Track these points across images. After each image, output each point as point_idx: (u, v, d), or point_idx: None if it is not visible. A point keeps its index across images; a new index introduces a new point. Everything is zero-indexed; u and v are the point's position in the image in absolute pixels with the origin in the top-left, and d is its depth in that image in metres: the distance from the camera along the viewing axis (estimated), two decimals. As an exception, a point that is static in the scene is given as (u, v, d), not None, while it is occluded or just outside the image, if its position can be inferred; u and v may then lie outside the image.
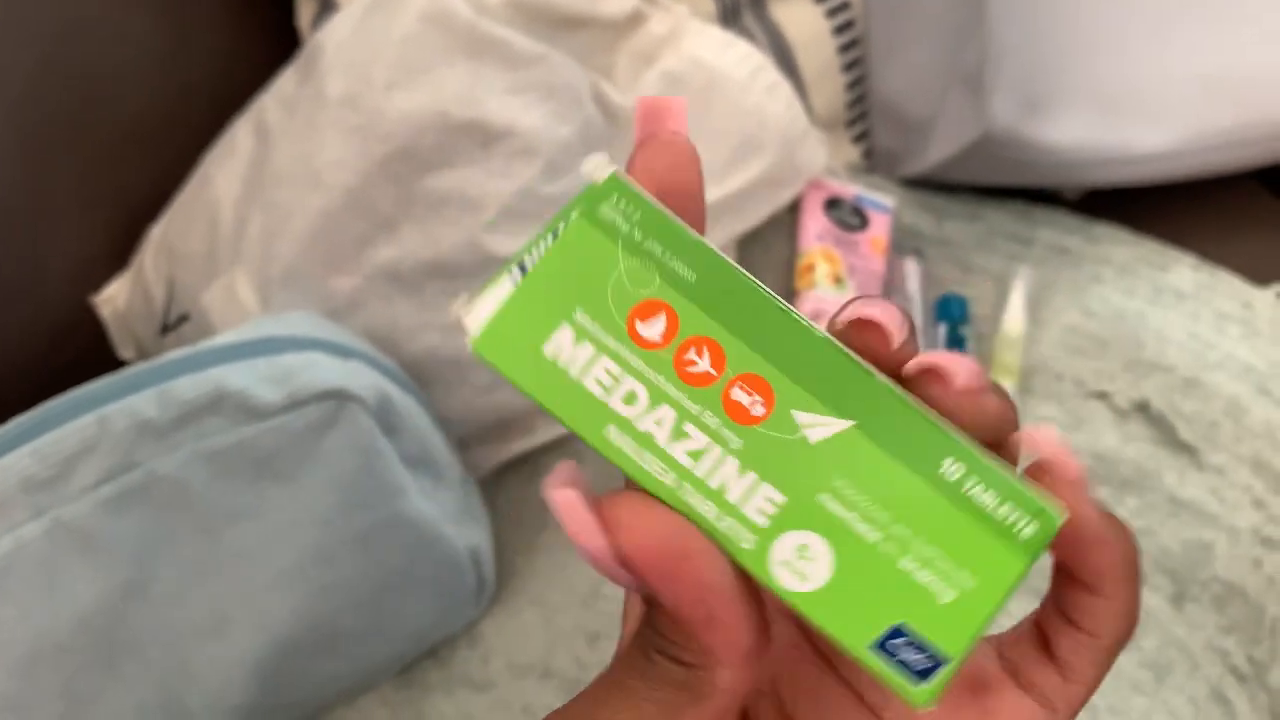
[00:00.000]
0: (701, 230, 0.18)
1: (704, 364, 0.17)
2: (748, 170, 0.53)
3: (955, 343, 0.54)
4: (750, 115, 0.53)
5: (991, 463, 0.17)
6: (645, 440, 0.17)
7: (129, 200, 0.58)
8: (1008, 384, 0.53)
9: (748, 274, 0.18)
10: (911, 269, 0.57)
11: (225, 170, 0.54)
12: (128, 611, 0.42)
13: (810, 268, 0.55)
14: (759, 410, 0.17)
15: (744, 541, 0.17)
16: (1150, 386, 0.53)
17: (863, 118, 0.64)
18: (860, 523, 0.16)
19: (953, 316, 0.55)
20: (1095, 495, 0.17)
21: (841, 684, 0.21)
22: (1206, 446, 0.51)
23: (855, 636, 0.16)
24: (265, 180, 0.51)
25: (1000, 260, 0.59)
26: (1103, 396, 0.53)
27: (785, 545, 0.17)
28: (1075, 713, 0.19)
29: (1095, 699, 0.45)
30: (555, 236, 0.17)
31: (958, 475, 0.17)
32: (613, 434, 0.17)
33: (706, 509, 0.17)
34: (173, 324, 0.55)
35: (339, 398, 0.43)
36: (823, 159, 0.57)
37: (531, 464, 0.54)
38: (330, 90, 0.50)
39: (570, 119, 0.50)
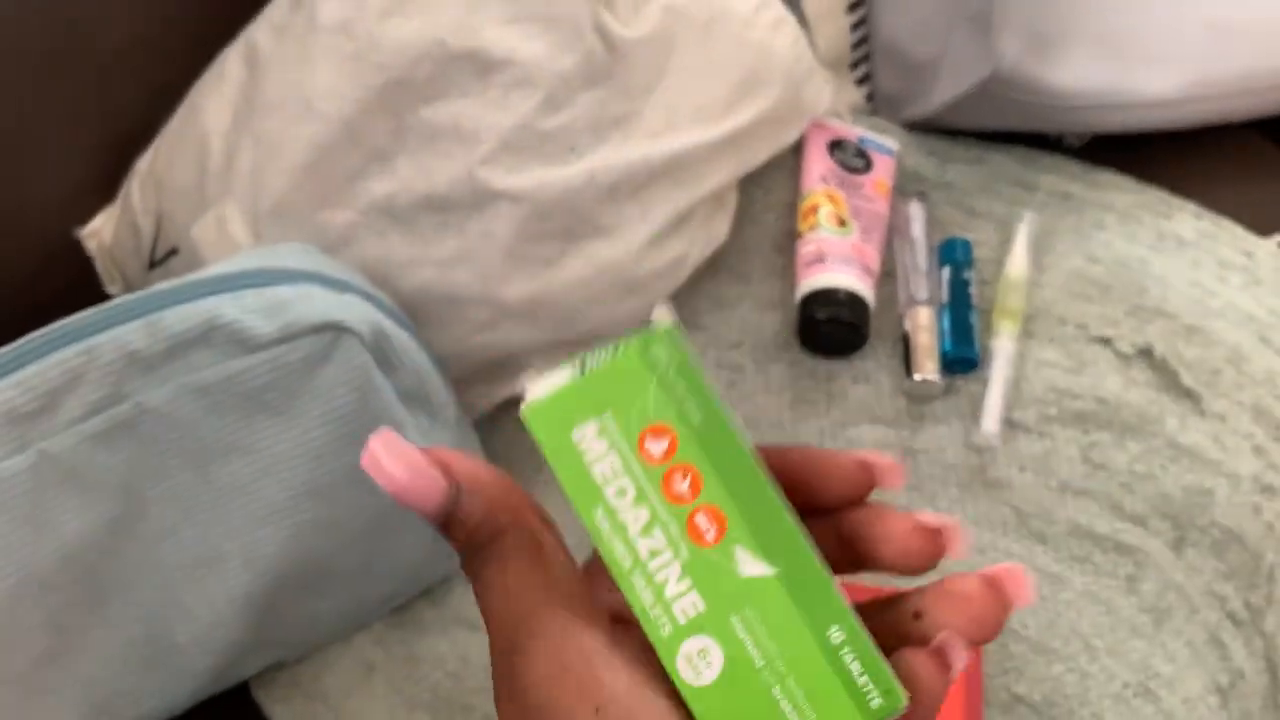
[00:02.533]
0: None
1: (684, 486, 0.21)
2: (750, 108, 0.52)
3: (959, 286, 0.53)
4: (754, 51, 0.52)
5: (868, 641, 0.21)
6: (620, 528, 0.21)
7: (116, 131, 0.56)
8: (1010, 328, 0.52)
9: (740, 431, 0.22)
10: (915, 212, 0.56)
11: (214, 100, 0.52)
12: (116, 547, 0.41)
13: (814, 209, 0.54)
14: (711, 536, 0.21)
15: (663, 629, 0.21)
16: (1153, 332, 0.53)
17: (866, 59, 0.62)
18: (754, 648, 0.21)
19: (956, 260, 0.54)
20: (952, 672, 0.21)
21: None
22: (1208, 393, 0.50)
23: None
24: (255, 110, 0.50)
25: (1003, 205, 0.59)
26: (1105, 341, 0.53)
27: (692, 644, 0.21)
28: None
29: (1095, 641, 0.45)
30: (613, 353, 0.22)
31: (838, 640, 0.21)
32: (599, 515, 0.21)
33: (645, 595, 0.21)
34: (160, 258, 0.54)
35: (334, 330, 0.42)
36: (827, 99, 0.56)
37: (527, 405, 0.54)
38: (323, 16, 0.48)
39: (571, 50, 0.49)
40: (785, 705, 0.20)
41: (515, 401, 0.54)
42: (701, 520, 0.21)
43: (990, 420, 0.49)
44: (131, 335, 0.40)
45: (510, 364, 0.52)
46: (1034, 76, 0.55)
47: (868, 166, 0.57)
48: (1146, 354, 0.52)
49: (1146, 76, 0.57)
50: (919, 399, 0.51)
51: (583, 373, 0.22)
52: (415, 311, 0.50)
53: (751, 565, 0.21)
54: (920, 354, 0.50)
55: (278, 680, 0.50)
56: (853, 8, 0.62)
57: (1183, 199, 0.59)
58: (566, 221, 0.49)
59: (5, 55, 0.52)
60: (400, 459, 0.21)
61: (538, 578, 0.21)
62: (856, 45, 0.62)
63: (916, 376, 0.50)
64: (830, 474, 0.22)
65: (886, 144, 0.59)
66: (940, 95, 0.58)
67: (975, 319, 0.52)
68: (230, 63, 0.52)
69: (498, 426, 0.54)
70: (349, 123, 0.48)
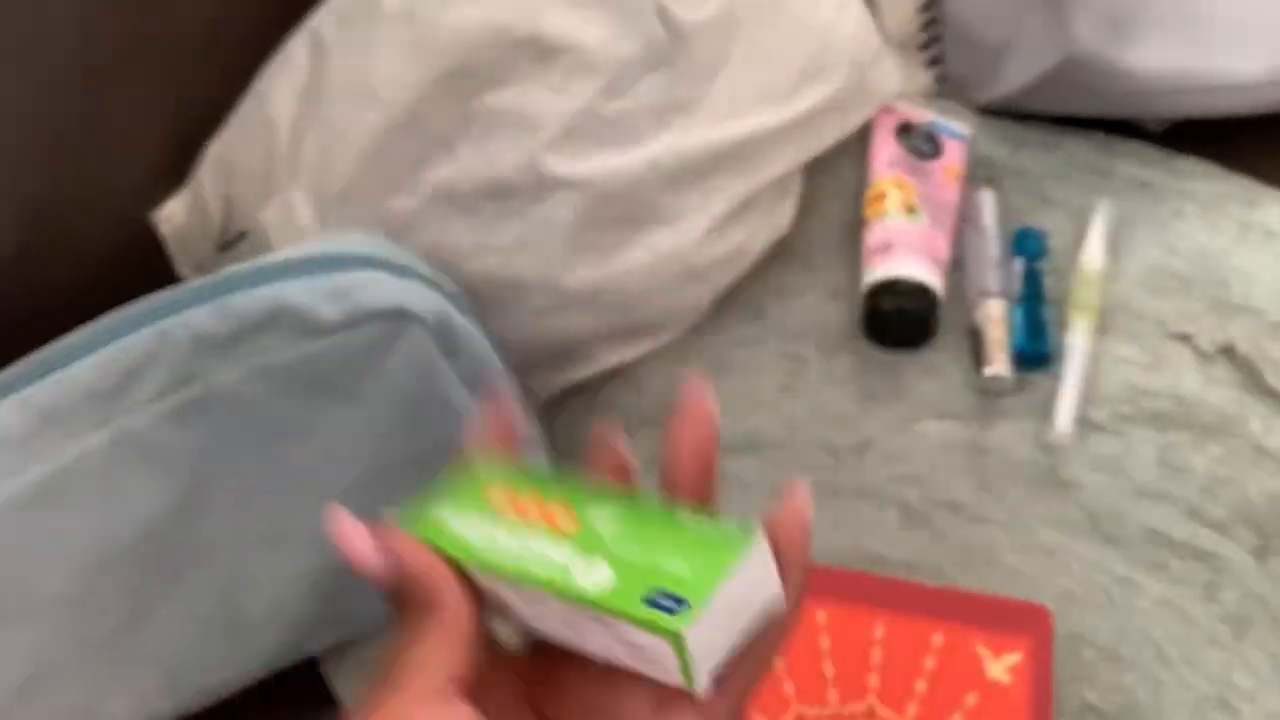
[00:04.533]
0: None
1: (539, 513, 0.30)
2: (814, 93, 0.51)
3: (1032, 278, 0.52)
4: (818, 34, 0.51)
5: (709, 516, 0.29)
6: (517, 555, 0.28)
7: (188, 115, 0.57)
8: (1085, 323, 0.50)
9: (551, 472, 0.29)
10: (986, 200, 0.54)
11: (281, 86, 0.52)
12: (190, 521, 0.42)
13: (881, 196, 0.53)
14: (570, 526, 0.29)
15: (577, 578, 0.27)
16: (1236, 329, 0.51)
17: (936, 41, 0.61)
18: (627, 553, 0.27)
19: (1029, 251, 0.52)
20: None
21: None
22: (1294, 391, 0.48)
23: (632, 604, 0.26)
24: (321, 97, 0.50)
25: (1078, 193, 0.57)
26: (1185, 338, 0.51)
27: (591, 573, 0.27)
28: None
29: (1169, 649, 0.43)
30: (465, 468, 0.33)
31: (683, 518, 0.28)
32: (502, 557, 0.28)
33: (550, 573, 0.28)
34: (230, 241, 0.54)
35: (399, 317, 0.42)
36: (896, 82, 0.55)
37: (590, 393, 0.54)
38: (385, 4, 0.48)
39: (632, 35, 0.48)
40: (672, 565, 0.26)
41: (577, 388, 0.54)
42: (560, 518, 0.29)
43: (1063, 418, 0.48)
44: (202, 318, 0.41)
45: (574, 350, 0.52)
46: (1111, 59, 0.53)
47: (937, 152, 0.56)
48: (1228, 352, 0.50)
49: (1229, 58, 0.55)
50: (989, 394, 0.50)
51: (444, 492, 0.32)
52: (477, 298, 0.50)
53: (602, 521, 0.29)
54: (991, 347, 0.49)
55: (346, 657, 0.51)
56: (923, -11, 0.61)
57: (1269, 187, 0.57)
58: (628, 208, 0.48)
59: (79, 41, 0.53)
60: (363, 541, 0.29)
61: (425, 654, 0.27)
62: (926, 26, 0.60)
63: (987, 371, 0.49)
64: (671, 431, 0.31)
65: (957, 128, 0.57)
66: (1013, 79, 0.56)
67: (1048, 313, 0.51)
68: (296, 49, 0.53)
69: (560, 414, 0.54)
70: (411, 109, 0.48)
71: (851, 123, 0.53)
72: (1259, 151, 0.58)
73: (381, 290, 0.42)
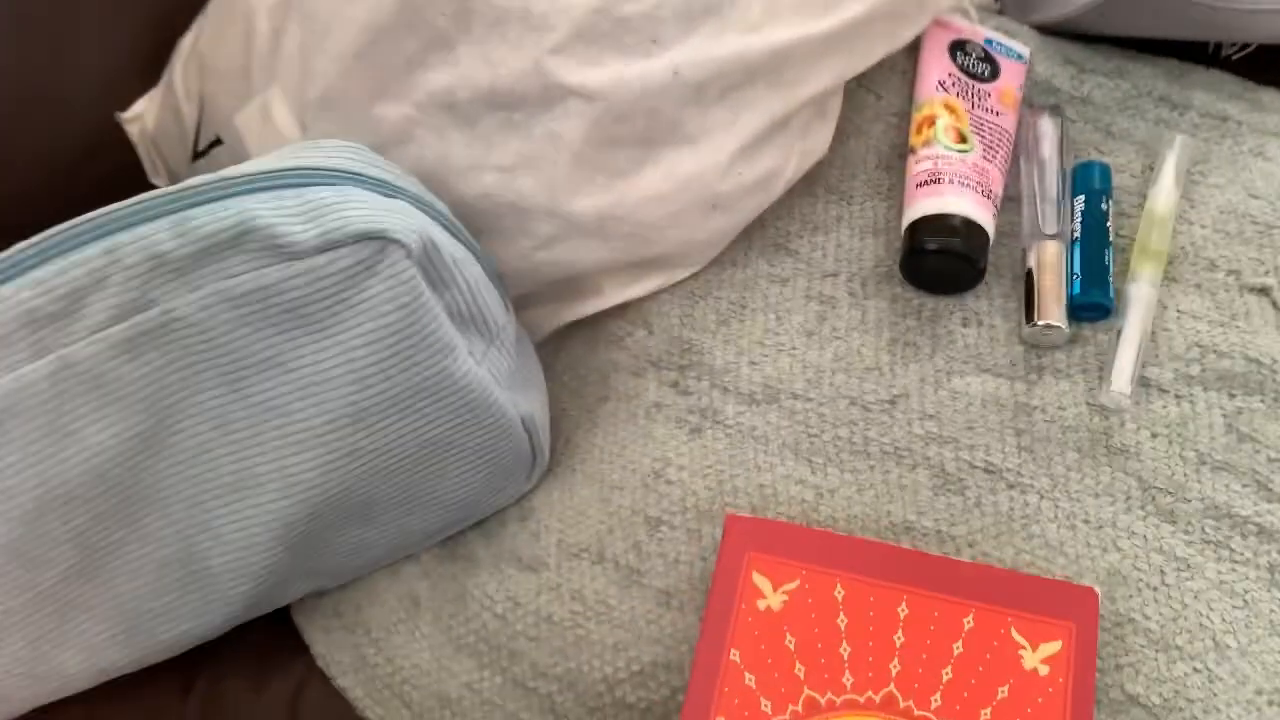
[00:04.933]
0: None
1: None
2: (864, 1, 0.45)
3: (1094, 218, 0.46)
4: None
5: None
6: None
7: (161, 5, 0.52)
8: (1151, 271, 0.45)
9: None
10: (1047, 128, 0.48)
11: (262, -27, 0.47)
12: (145, 463, 0.38)
13: (930, 120, 0.47)
14: None
15: None
16: (1319, 283, 0.45)
17: (1000, -52, 0.54)
18: None
19: (1093, 188, 0.47)
20: None
21: None
22: (1383, 357, 0.43)
23: None
24: (305, -15, 0.45)
25: (1148, 126, 0.51)
26: (1263, 292, 0.45)
27: None
28: None
29: (1227, 640, 0.39)
30: None
31: None
32: None
33: None
34: (205, 149, 0.49)
35: (379, 240, 0.37)
36: (953, -8, 0.48)
37: (595, 328, 0.49)
38: (380, -122, 0.42)
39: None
40: None
41: (585, 324, 0.49)
42: None
43: (1121, 378, 0.43)
44: (159, 235, 0.36)
45: (580, 282, 0.47)
46: (1205, -28, 0.47)
47: (994, 74, 0.50)
48: (1311, 308, 0.45)
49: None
50: (1039, 348, 0.45)
51: None
52: (475, 222, 0.45)
53: None
54: (1045, 296, 0.44)
55: (319, 608, 0.48)
56: (987, -113, 0.54)
57: (1365, 126, 0.51)
58: (645, 125, 0.43)
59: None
60: None
61: None
62: (988, -68, 0.54)
63: (1039, 322, 0.44)
64: None
65: (1017, 48, 0.51)
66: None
67: (1111, 258, 0.45)
68: (280, -70, 0.47)
69: (565, 349, 0.50)
70: (405, 2, 0.42)
71: (902, 37, 0.47)
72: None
73: (362, 211, 0.38)
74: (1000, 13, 0.55)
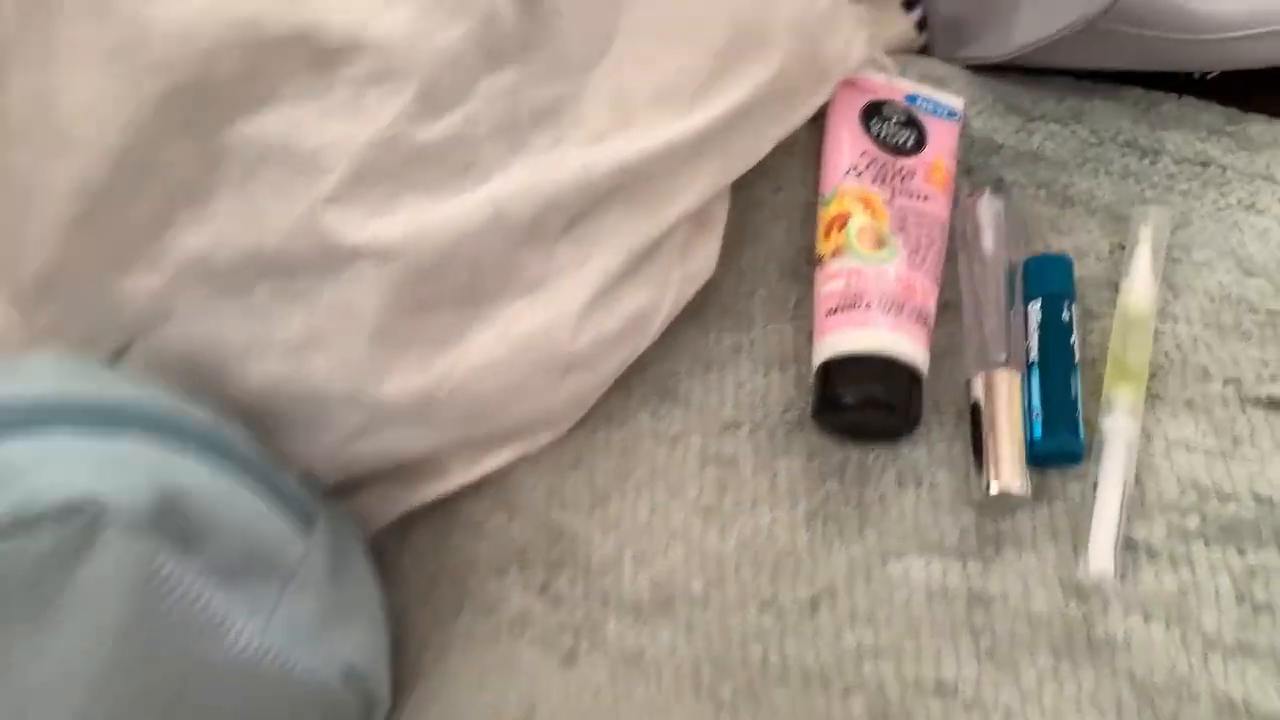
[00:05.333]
0: None
1: None
2: (743, 81, 0.35)
3: (1055, 332, 0.36)
4: (745, -10, 0.35)
5: None
6: None
7: None
8: (1129, 395, 0.35)
9: None
10: (988, 214, 0.38)
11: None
12: None
13: (840, 220, 0.37)
14: None
15: None
16: (1340, 386, 0.36)
17: (917, -29, 0.44)
18: None
19: (1050, 290, 0.37)
20: None
21: None
22: None
23: None
24: None
25: (1113, 184, 0.41)
26: (1272, 404, 0.36)
27: None
28: None
29: None
30: None
31: None
32: None
33: None
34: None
35: (89, 510, 0.27)
36: (860, 48, 0.38)
37: (447, 512, 0.39)
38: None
39: (458, 16, 0.32)
40: None
41: (433, 508, 0.39)
42: None
43: (1101, 548, 0.34)
44: None
45: (417, 463, 0.38)
46: (1173, 5, 0.37)
47: (920, 142, 0.40)
48: (1333, 425, 0.36)
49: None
50: (996, 514, 0.35)
51: None
52: (267, 416, 0.35)
53: None
54: (998, 447, 0.34)
55: None
56: (897, -107, 0.43)
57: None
58: (465, 280, 0.33)
59: None
60: None
61: None
62: (902, -51, 0.44)
63: (992, 487, 0.34)
64: None
65: (947, 103, 0.41)
66: (1025, 33, 0.40)
67: (1079, 384, 0.36)
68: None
69: (410, 537, 0.40)
70: (128, 152, 0.32)
71: (798, 115, 0.37)
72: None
73: (65, 470, 0.28)
74: (925, 51, 0.45)
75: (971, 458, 0.35)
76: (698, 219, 0.37)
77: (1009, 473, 0.34)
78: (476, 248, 0.33)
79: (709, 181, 0.35)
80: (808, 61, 0.36)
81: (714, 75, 0.34)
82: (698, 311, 0.39)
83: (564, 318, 0.34)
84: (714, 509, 0.37)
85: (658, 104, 0.34)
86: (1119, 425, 0.35)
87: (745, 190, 0.40)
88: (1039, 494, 0.35)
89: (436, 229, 0.32)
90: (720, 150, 0.35)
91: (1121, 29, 0.38)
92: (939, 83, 0.42)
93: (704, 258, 0.37)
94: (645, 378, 0.38)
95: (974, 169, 0.41)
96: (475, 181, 0.33)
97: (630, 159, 0.33)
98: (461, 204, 0.32)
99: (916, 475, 0.36)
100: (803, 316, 0.39)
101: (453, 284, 0.33)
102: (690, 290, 0.37)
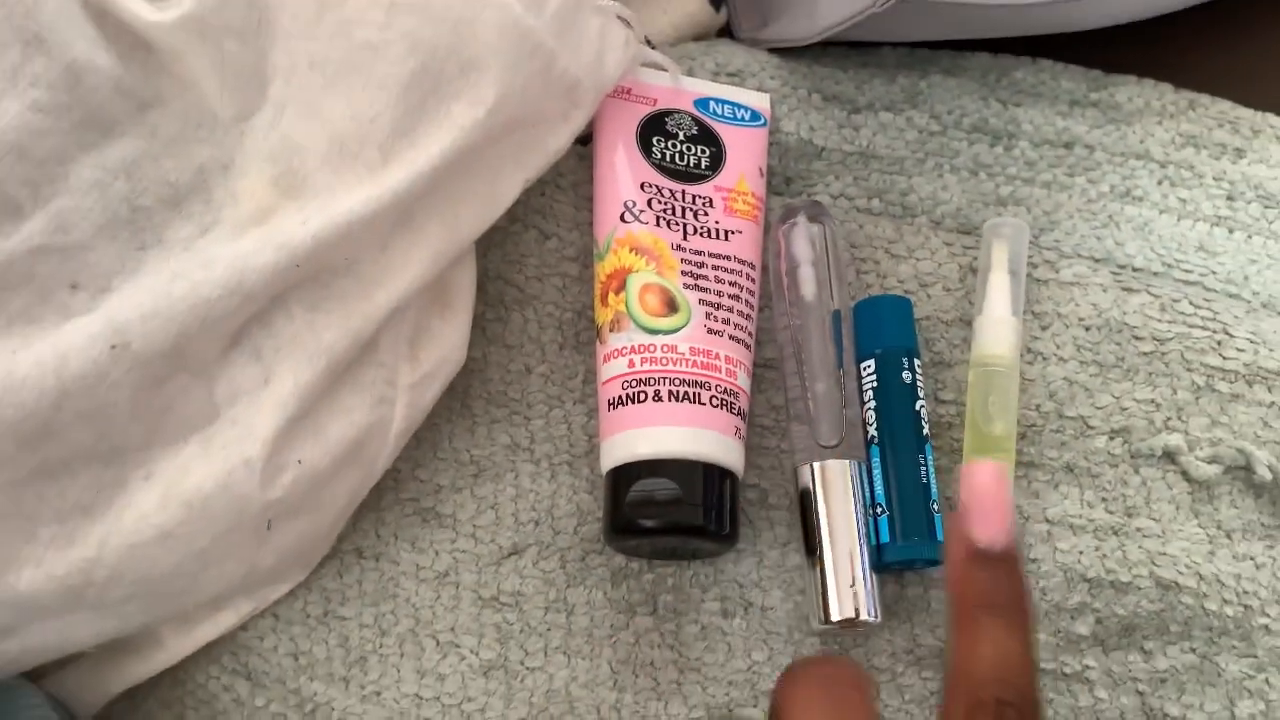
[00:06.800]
0: None
1: None
2: (451, 121, 0.26)
3: (895, 400, 0.29)
4: (433, 2, 0.26)
5: None
6: None
7: None
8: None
9: None
10: (803, 248, 0.30)
11: None
12: None
13: (617, 279, 0.29)
14: None
15: None
16: (1247, 419, 0.29)
17: (705, -65, 0.35)
18: None
19: (888, 344, 0.29)
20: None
21: None
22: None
23: None
24: None
25: (960, 183, 0.34)
26: (1169, 456, 0.29)
27: None
28: None
29: None
30: None
31: None
32: None
33: None
34: None
35: None
36: (619, 52, 0.30)
37: (175, 682, 0.31)
38: None
39: (15, 83, 0.23)
40: None
41: (162, 675, 0.31)
42: None
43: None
44: None
45: (97, 654, 0.29)
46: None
47: (716, 160, 0.31)
48: (1243, 472, 0.29)
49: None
50: (843, 637, 0.28)
51: None
52: None
53: None
54: (835, 561, 0.27)
55: None
56: None
57: (1263, 113, 0.34)
58: (87, 437, 0.24)
59: None
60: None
61: None
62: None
63: (832, 613, 0.27)
64: None
65: (750, 103, 0.33)
66: (830, 12, 0.31)
67: (930, 463, 0.28)
68: None
69: (141, 716, 0.31)
70: None
71: (548, 148, 0.29)
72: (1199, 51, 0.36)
73: None
74: (727, 33, 0.36)
75: (807, 561, 0.28)
76: (434, 298, 0.28)
77: (848, 597, 0.26)
78: (95, 394, 0.24)
79: (432, 250, 0.27)
80: (542, 80, 0.27)
81: (407, 117, 0.25)
82: (459, 402, 0.30)
83: (244, 464, 0.25)
84: (497, 666, 0.29)
85: (336, 162, 0.25)
86: (985, 507, 0.28)
87: (504, 245, 0.31)
88: (895, 611, 0.28)
89: (34, 375, 0.23)
90: (439, 209, 0.27)
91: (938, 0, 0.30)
92: (738, 78, 0.33)
93: (449, 345, 0.29)
94: (400, 494, 0.30)
95: (793, 180, 0.33)
96: (85, 304, 0.24)
97: (300, 243, 0.24)
98: (67, 337, 0.23)
99: (744, 598, 0.28)
100: (594, 395, 0.31)
101: (73, 443, 0.24)
102: (431, 393, 0.28)
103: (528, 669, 0.28)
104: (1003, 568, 0.19)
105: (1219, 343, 0.30)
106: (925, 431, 0.28)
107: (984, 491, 0.19)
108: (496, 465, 0.30)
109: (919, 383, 0.29)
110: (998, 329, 0.29)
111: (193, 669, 0.30)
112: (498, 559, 0.29)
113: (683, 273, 0.29)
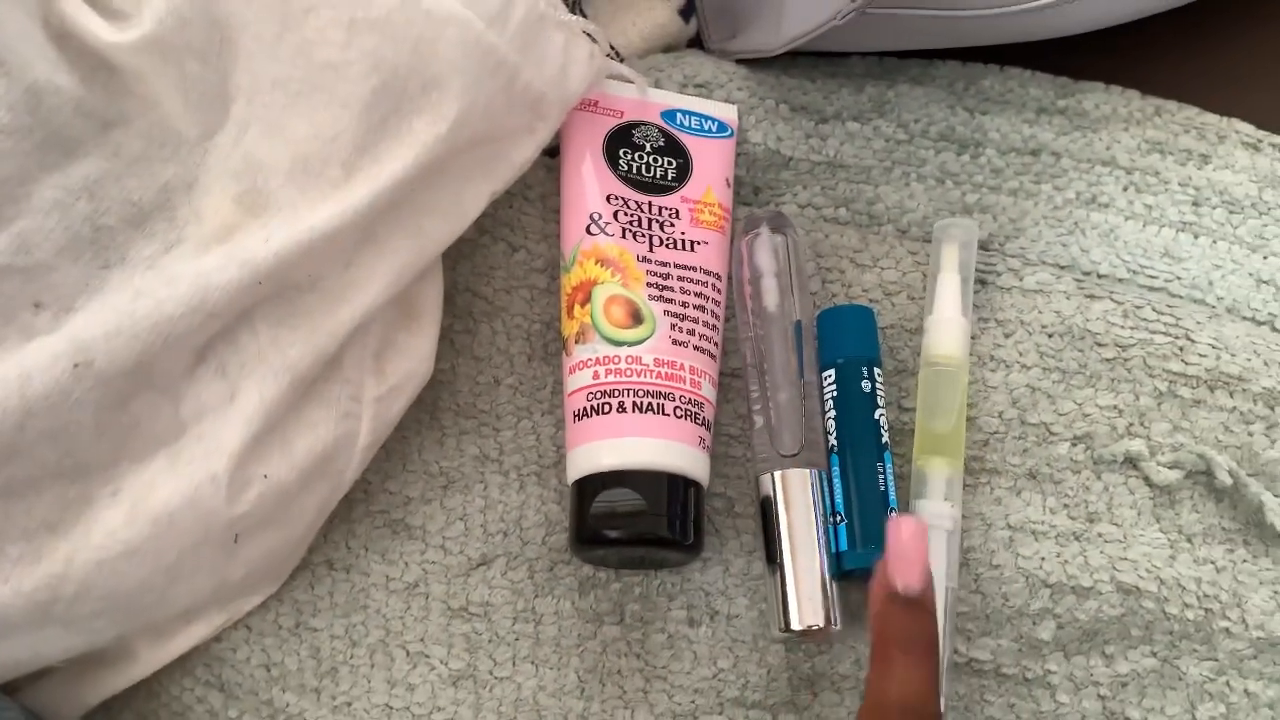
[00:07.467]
0: None
1: None
2: (413, 138, 0.26)
3: (855, 409, 0.29)
4: (393, 25, 0.26)
5: None
6: None
7: None
8: (942, 473, 0.28)
9: None
10: (766, 259, 0.31)
11: None
12: None
13: (583, 292, 0.29)
14: None
15: None
16: (1208, 424, 0.30)
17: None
18: None
19: (848, 354, 0.29)
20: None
21: None
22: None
23: None
24: None
25: (926, 191, 0.34)
26: (1130, 462, 0.30)
27: None
28: None
29: None
30: None
31: None
32: None
33: None
34: None
35: None
36: (584, 65, 0.30)
37: (150, 694, 0.31)
38: None
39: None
40: None
41: (137, 686, 0.31)
42: None
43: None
44: None
45: (73, 667, 0.29)
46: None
47: (682, 172, 0.32)
48: (1204, 476, 0.29)
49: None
50: (806, 645, 0.28)
51: None
52: None
53: None
54: (796, 570, 0.27)
55: None
56: None
57: (1225, 119, 0.35)
58: (52, 455, 0.25)
59: None
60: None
61: None
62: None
63: (793, 622, 0.27)
64: None
65: (717, 114, 0.33)
66: (795, 23, 0.32)
67: (889, 472, 0.29)
68: None
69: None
70: None
71: (512, 162, 0.29)
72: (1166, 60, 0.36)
73: None
74: (697, 44, 0.37)
75: (768, 566, 0.28)
76: (400, 311, 0.29)
77: (810, 605, 0.27)
78: (59, 413, 0.24)
79: (398, 265, 0.27)
80: (505, 95, 0.27)
81: (369, 134, 0.26)
82: (428, 414, 0.30)
83: (210, 480, 0.26)
84: (466, 675, 0.29)
85: (300, 180, 0.25)
86: (933, 511, 0.28)
87: (472, 257, 0.31)
88: (856, 618, 0.28)
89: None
90: (404, 224, 0.27)
91: (900, 12, 0.30)
92: (706, 89, 0.34)
93: (416, 358, 0.29)
94: (370, 506, 0.30)
95: (761, 190, 0.34)
96: (49, 324, 0.24)
97: (266, 258, 0.25)
98: (31, 357, 0.24)
99: (710, 606, 0.29)
100: (562, 406, 0.31)
101: (39, 461, 0.24)
102: (398, 406, 0.29)
103: (496, 678, 0.29)
104: (917, 610, 0.21)
105: (1181, 349, 0.31)
106: (885, 440, 0.29)
107: (905, 543, 0.21)
108: (465, 477, 0.31)
109: (879, 392, 0.29)
110: (947, 329, 0.29)
111: (167, 681, 0.31)
112: (467, 570, 0.30)
113: (648, 284, 0.29)
